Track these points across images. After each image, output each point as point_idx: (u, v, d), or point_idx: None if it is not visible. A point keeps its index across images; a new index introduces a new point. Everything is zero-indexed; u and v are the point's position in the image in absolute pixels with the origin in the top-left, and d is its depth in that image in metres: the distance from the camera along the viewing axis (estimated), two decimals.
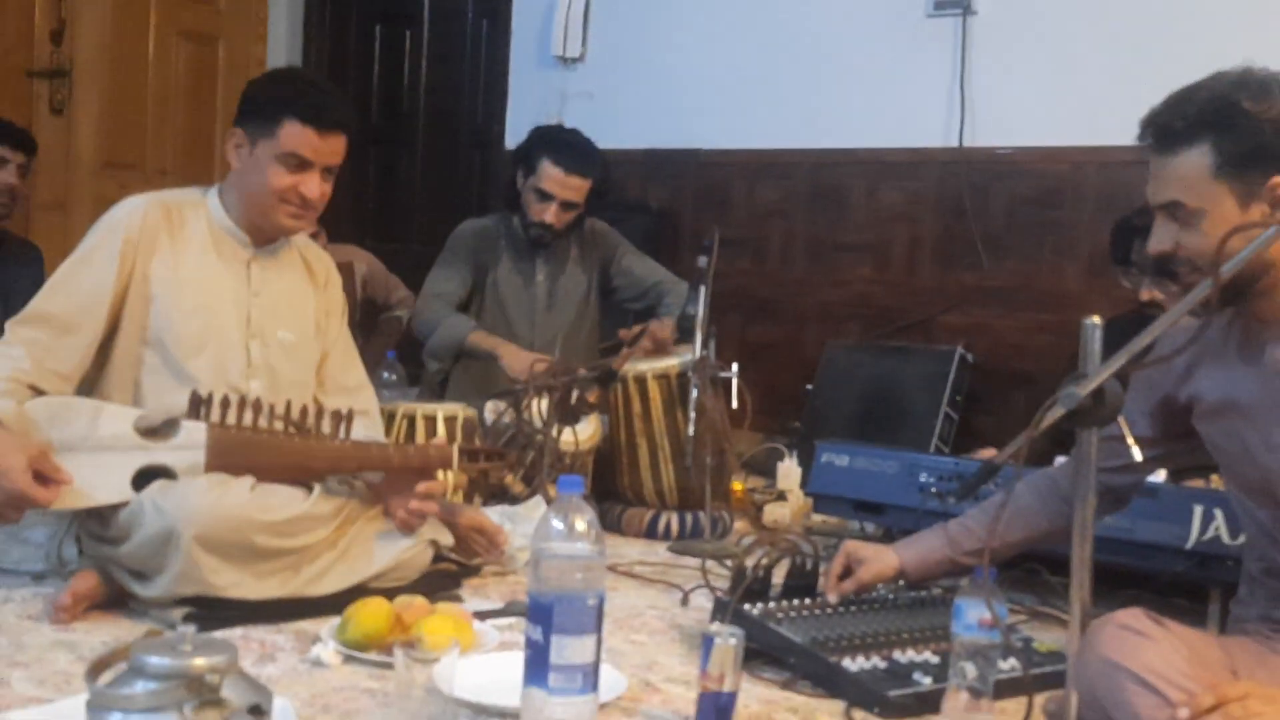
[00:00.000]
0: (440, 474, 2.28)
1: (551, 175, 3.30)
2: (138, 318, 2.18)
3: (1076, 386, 1.51)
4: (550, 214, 3.33)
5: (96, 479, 2.01)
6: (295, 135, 2.20)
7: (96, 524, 2.05)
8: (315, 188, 2.24)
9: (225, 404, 2.10)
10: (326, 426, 2.18)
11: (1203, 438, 1.80)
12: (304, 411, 2.17)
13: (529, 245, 3.46)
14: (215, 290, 2.23)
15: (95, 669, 1.34)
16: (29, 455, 1.91)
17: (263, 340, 2.27)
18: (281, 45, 5.09)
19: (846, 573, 2.06)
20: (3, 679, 1.71)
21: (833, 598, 2.04)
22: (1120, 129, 3.39)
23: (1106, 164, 3.53)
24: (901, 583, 2.12)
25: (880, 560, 2.05)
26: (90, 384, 2.18)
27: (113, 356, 2.17)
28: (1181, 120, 1.62)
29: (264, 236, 2.31)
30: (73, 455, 2.00)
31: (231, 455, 2.08)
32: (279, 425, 2.14)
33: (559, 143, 3.36)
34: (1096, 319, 1.59)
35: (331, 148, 2.24)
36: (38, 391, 2.07)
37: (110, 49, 4.43)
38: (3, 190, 3.39)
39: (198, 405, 2.09)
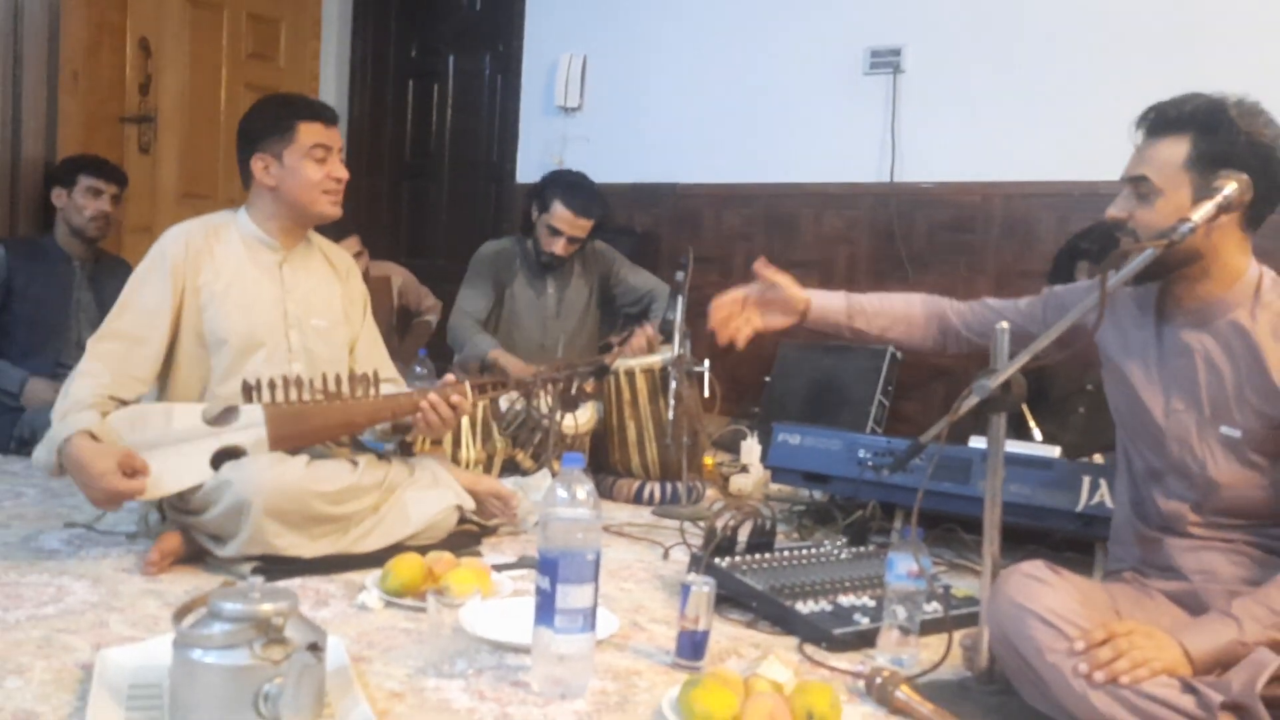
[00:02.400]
0: (465, 425, 2.27)
1: (562, 215, 3.31)
2: (194, 324, 2.15)
3: (988, 379, 1.52)
4: (559, 247, 3.35)
5: (181, 466, 1.99)
6: (312, 131, 2.18)
7: (177, 497, 2.03)
8: (342, 168, 2.23)
9: (272, 385, 2.08)
10: (359, 390, 2.17)
11: (1103, 381, 1.77)
12: (338, 380, 2.16)
13: (540, 265, 3.46)
14: (255, 292, 2.20)
15: (180, 613, 1.33)
16: (116, 459, 1.90)
17: (300, 329, 2.23)
18: (331, 97, 5.05)
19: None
20: (102, 621, 1.70)
21: (762, 271, 2.04)
22: (1020, 166, 3.48)
23: (1010, 195, 3.54)
24: (842, 542, 2.13)
25: (796, 287, 2.05)
26: (162, 385, 2.16)
27: (178, 359, 2.15)
28: (1176, 112, 1.58)
29: (296, 237, 2.27)
30: (158, 450, 1.98)
31: (288, 425, 2.07)
32: (319, 396, 2.13)
33: (571, 187, 3.35)
34: (1005, 325, 1.60)
35: (336, 134, 2.24)
36: (119, 401, 2.04)
37: (188, 98, 4.40)
38: (99, 216, 3.36)
39: (249, 391, 2.07)
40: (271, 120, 2.20)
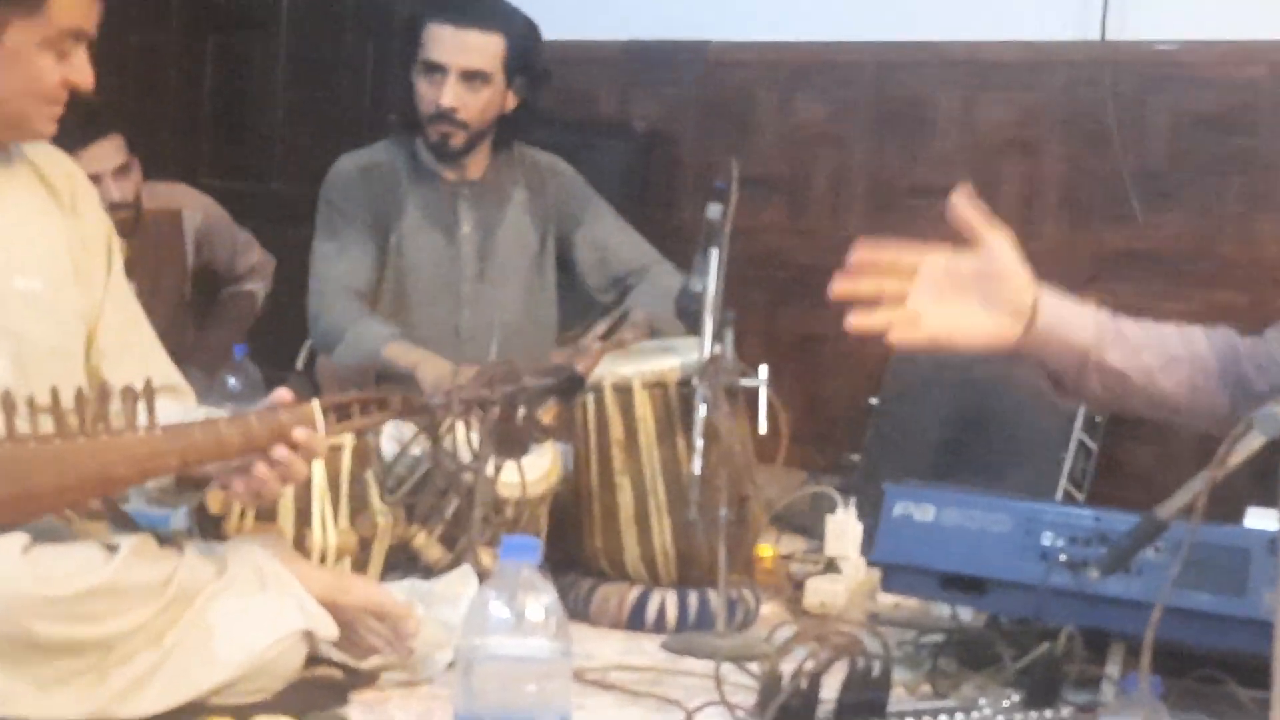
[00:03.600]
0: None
1: (439, 37, 3.42)
2: None
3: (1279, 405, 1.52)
4: (449, 93, 3.41)
5: None
6: (73, 5, 2.20)
7: None
8: (90, 72, 2.26)
9: None
10: (120, 413, 2.17)
11: None
12: (81, 397, 2.16)
13: (449, 184, 3.54)
14: None
15: None
16: None
17: None
18: None
19: None
20: None
21: (964, 213, 2.05)
22: None
23: None
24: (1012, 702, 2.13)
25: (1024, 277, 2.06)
26: None
27: None
28: None
29: None
30: None
31: None
32: (48, 424, 2.13)
33: (442, 4, 3.48)
34: None
35: (95, 7, 2.25)
36: None
37: None
38: None
39: None
40: None
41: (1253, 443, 1.53)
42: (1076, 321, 2.05)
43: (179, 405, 2.39)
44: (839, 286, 2.02)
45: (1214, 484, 1.53)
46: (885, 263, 2.03)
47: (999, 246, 2.02)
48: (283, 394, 2.27)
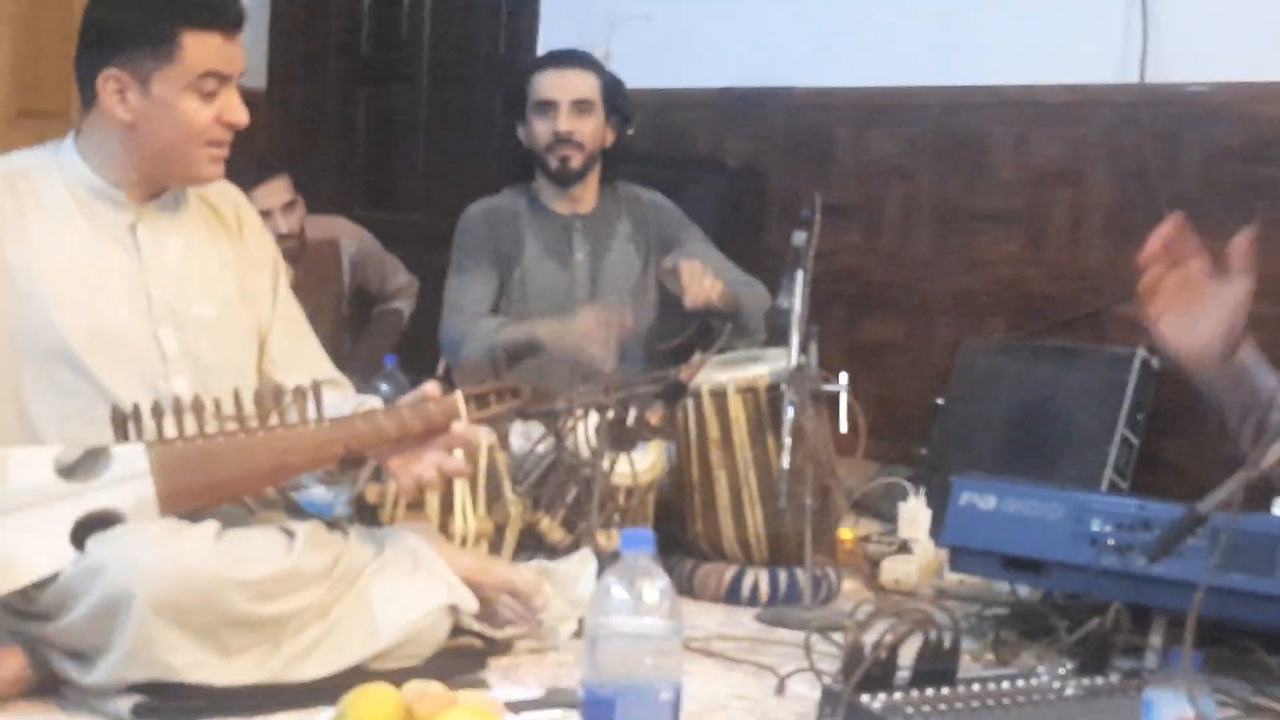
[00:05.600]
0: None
1: (547, 80, 3.52)
2: (9, 329, 2.17)
3: None
4: (563, 119, 3.48)
5: (23, 547, 2.02)
6: (204, 48, 2.19)
7: (18, 596, 2.04)
8: (241, 109, 2.25)
9: (158, 413, 2.11)
10: (293, 410, 2.20)
11: None
12: (259, 398, 2.19)
13: (563, 219, 3.58)
14: (98, 270, 2.23)
15: None
16: None
17: (175, 324, 2.27)
18: None
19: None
20: None
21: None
22: None
23: None
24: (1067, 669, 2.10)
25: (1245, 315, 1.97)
26: None
27: None
28: None
29: (150, 189, 2.29)
30: None
31: (186, 474, 2.11)
32: (232, 424, 2.16)
33: (541, 57, 3.65)
34: None
35: (239, 52, 2.25)
36: None
37: None
38: None
39: (124, 423, 2.10)
40: (140, 20, 2.20)
41: None
42: (1265, 370, 2.01)
43: (341, 395, 2.43)
44: (1147, 257, 1.97)
45: (1249, 481, 1.50)
46: (1174, 252, 1.98)
47: (1245, 281, 1.97)
48: (431, 388, 2.30)
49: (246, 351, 2.38)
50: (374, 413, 2.26)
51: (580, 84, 3.52)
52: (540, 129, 3.50)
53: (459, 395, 2.27)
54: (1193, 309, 1.98)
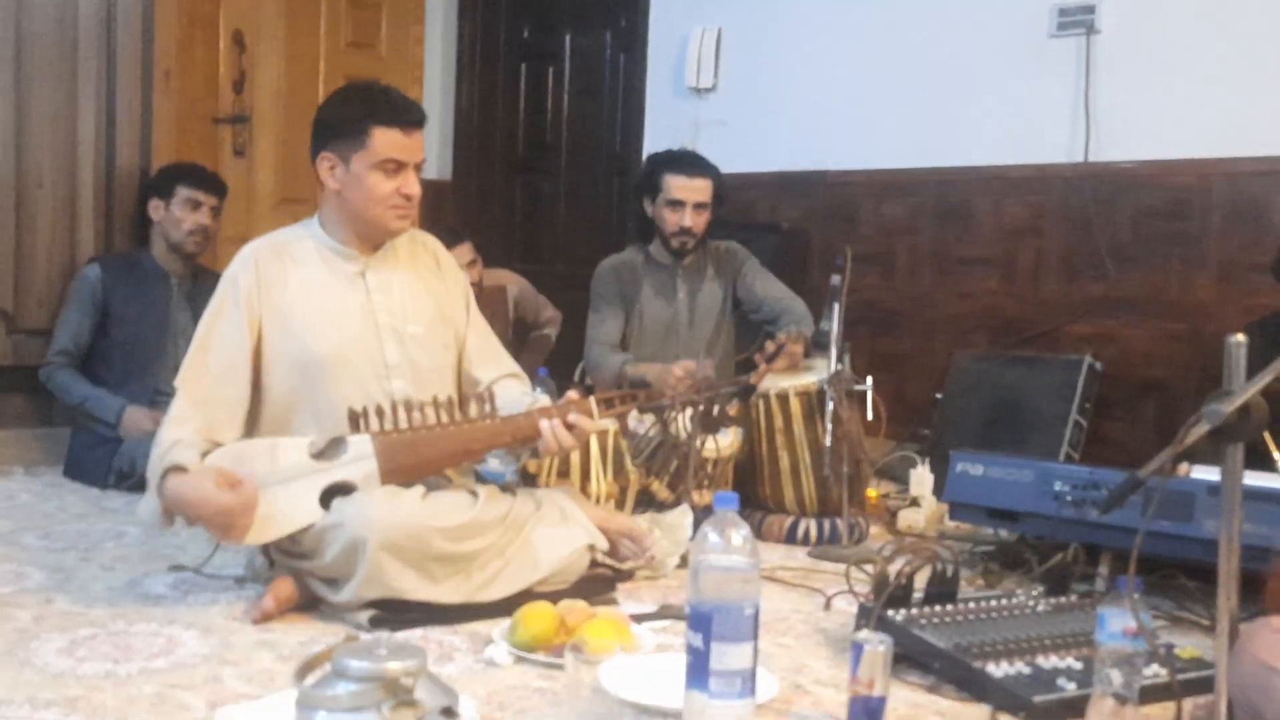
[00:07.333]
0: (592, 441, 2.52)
1: (677, 184, 3.46)
2: (277, 353, 2.23)
3: (1220, 403, 1.46)
4: (688, 217, 3.46)
5: (289, 506, 2.09)
6: (388, 140, 2.22)
7: (287, 540, 2.12)
8: (415, 185, 2.27)
9: (380, 413, 2.16)
10: (474, 410, 2.25)
11: None
12: (450, 402, 2.23)
13: (669, 268, 3.56)
14: (339, 308, 2.27)
15: (302, 670, 1.40)
16: (211, 479, 2.02)
17: (396, 340, 2.30)
18: (436, 86, 5.22)
19: None
20: (216, 676, 1.80)
21: None
22: (1247, 140, 3.32)
23: (1235, 175, 3.39)
24: (1038, 592, 2.07)
25: None
26: (253, 419, 2.24)
27: (267, 391, 2.24)
28: None
29: (371, 244, 2.33)
30: (265, 490, 2.08)
31: (399, 456, 2.15)
32: (431, 419, 2.20)
33: (673, 158, 3.55)
34: (1240, 337, 1.53)
35: (417, 144, 2.26)
36: (214, 444, 2.15)
37: (285, 94, 4.60)
38: (198, 230, 3.53)
39: (356, 420, 2.15)
40: (345, 118, 2.25)
41: (1202, 429, 1.46)
42: None
43: (520, 385, 2.46)
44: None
45: (1175, 456, 1.47)
46: None
47: None
48: (573, 394, 2.32)
49: (447, 357, 2.40)
50: (532, 412, 2.28)
51: (702, 190, 3.47)
52: (669, 218, 3.48)
53: (592, 400, 2.29)
54: None
